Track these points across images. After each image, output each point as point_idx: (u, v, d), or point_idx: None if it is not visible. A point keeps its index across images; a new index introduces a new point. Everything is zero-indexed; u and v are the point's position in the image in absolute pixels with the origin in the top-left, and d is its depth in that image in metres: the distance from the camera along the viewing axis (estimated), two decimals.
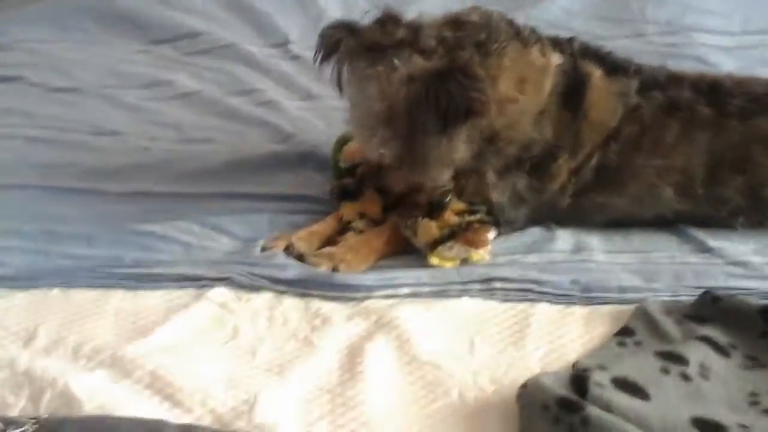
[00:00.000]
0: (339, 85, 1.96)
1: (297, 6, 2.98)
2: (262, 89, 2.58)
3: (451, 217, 1.91)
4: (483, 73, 1.86)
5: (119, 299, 1.76)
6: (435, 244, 1.89)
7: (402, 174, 1.94)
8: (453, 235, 1.89)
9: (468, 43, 1.91)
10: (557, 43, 2.04)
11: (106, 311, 1.73)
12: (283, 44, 2.82)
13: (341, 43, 1.92)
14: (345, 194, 2.00)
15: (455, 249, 1.88)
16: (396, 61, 1.85)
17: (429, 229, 1.90)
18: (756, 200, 2.00)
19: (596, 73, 2.02)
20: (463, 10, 2.03)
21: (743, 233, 1.99)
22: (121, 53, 2.77)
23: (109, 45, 2.81)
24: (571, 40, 2.06)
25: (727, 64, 2.66)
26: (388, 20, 1.94)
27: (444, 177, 1.92)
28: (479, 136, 1.90)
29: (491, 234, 1.92)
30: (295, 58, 2.76)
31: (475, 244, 1.89)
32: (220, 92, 2.58)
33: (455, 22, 1.96)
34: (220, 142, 2.34)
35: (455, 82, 1.79)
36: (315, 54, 1.96)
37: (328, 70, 1.95)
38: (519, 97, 1.93)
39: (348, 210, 1.99)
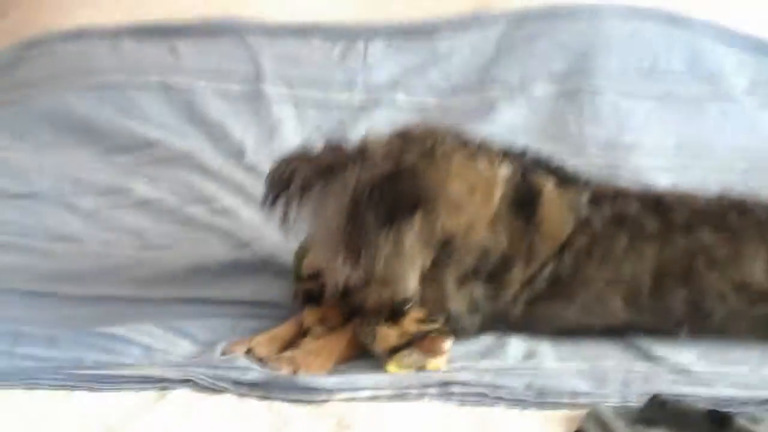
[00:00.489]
0: (286, 224, 2.01)
1: (252, 117, 3.05)
2: (218, 198, 2.64)
3: (410, 325, 1.96)
4: (430, 174, 1.94)
5: (83, 401, 1.77)
6: (393, 352, 1.94)
7: (371, 290, 1.98)
8: (411, 343, 1.95)
9: (414, 150, 2.00)
10: (508, 154, 2.13)
11: (71, 413, 1.74)
12: (239, 154, 2.88)
13: (293, 176, 1.98)
14: (309, 299, 2.05)
15: (413, 356, 1.94)
16: (347, 177, 1.93)
17: (388, 336, 1.95)
18: (698, 311, 2.09)
19: (548, 186, 2.12)
20: (410, 124, 2.13)
21: (686, 342, 2.08)
22: (78, 161, 2.80)
23: (67, 152, 2.83)
24: (522, 152, 2.16)
25: (663, 183, 2.78)
26: (335, 145, 2.03)
27: (411, 285, 1.97)
28: (436, 240, 1.97)
29: (448, 344, 1.97)
30: (251, 168, 2.82)
31: (433, 352, 1.94)
32: (177, 201, 2.63)
33: (401, 135, 2.06)
34: (179, 249, 2.38)
35: (401, 179, 1.88)
36: (265, 195, 2.01)
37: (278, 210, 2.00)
38: (469, 201, 2.01)
39: (309, 315, 2.04)
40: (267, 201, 2.01)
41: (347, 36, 3.34)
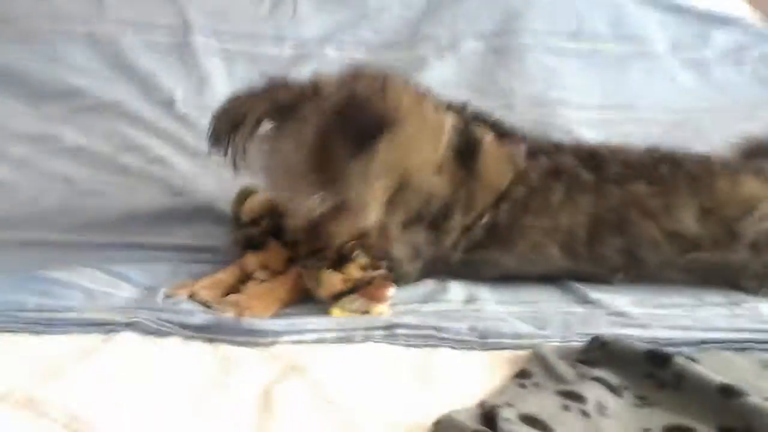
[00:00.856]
0: (236, 162, 1.99)
1: (181, 67, 3.01)
2: (150, 146, 2.60)
3: (354, 271, 1.98)
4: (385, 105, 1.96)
5: (26, 343, 1.74)
6: (337, 297, 1.95)
7: (341, 222, 1.97)
8: (355, 289, 1.96)
9: (365, 85, 2.01)
10: (450, 106, 2.16)
11: (14, 355, 1.71)
12: (169, 104, 2.84)
13: (246, 114, 1.96)
14: (250, 245, 2.05)
15: (357, 303, 1.95)
16: (305, 112, 1.92)
17: (332, 282, 1.96)
18: (633, 260, 2.15)
19: (488, 137, 2.15)
20: (358, 64, 2.14)
21: (621, 287, 2.14)
22: (4, 109, 2.73)
23: None
24: (463, 105, 2.19)
25: (589, 136, 2.84)
26: (282, 82, 2.02)
27: (373, 216, 1.98)
28: (394, 171, 1.97)
29: (392, 290, 2.00)
30: (182, 117, 2.79)
31: (377, 299, 1.96)
32: (108, 148, 2.59)
33: (352, 73, 2.07)
34: (112, 196, 2.36)
35: (362, 105, 1.90)
36: (211, 133, 1.99)
37: (220, 149, 1.99)
38: (419, 141, 2.02)
39: (251, 260, 2.03)
40: (216, 139, 1.98)
41: None
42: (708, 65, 3.36)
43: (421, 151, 2.02)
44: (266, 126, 1.97)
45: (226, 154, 1.97)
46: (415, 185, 2.03)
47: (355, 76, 2.04)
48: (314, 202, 1.93)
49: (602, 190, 2.15)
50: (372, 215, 1.98)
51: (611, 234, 2.14)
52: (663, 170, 2.19)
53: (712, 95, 3.25)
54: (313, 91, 1.98)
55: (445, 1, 3.40)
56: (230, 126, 1.97)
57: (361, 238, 1.98)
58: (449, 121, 2.10)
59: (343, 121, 1.87)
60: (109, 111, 2.77)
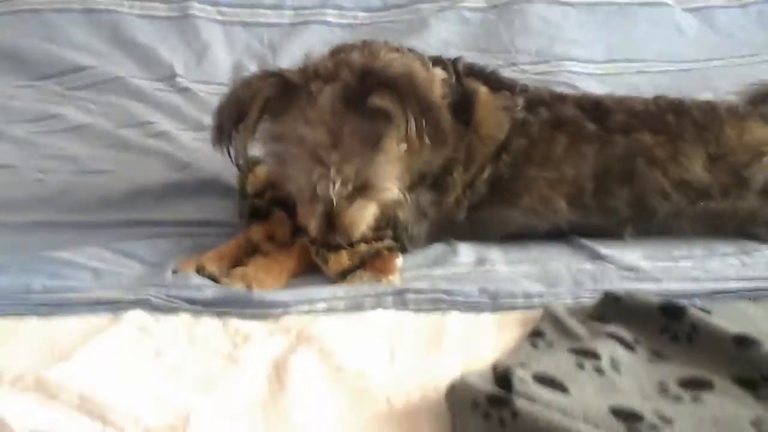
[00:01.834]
0: (240, 158, 1.94)
1: (180, 39, 3.00)
2: (153, 121, 2.59)
3: (359, 246, 1.96)
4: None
5: (34, 326, 1.74)
6: (345, 273, 1.94)
7: (362, 208, 1.93)
8: (363, 263, 1.95)
9: (358, 57, 1.98)
10: (438, 61, 2.13)
11: (22, 338, 1.70)
12: (169, 77, 2.83)
13: (253, 100, 1.89)
14: (255, 215, 2.03)
15: (365, 277, 1.94)
16: (313, 90, 1.89)
17: (340, 258, 1.95)
18: (642, 210, 2.13)
19: (482, 90, 2.12)
20: (338, 43, 2.11)
21: (631, 242, 2.12)
22: (4, 89, 2.73)
23: None
24: (455, 60, 2.16)
25: (595, 90, 2.81)
26: (277, 70, 1.97)
27: (397, 189, 1.96)
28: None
29: (399, 261, 1.98)
30: (184, 90, 2.78)
31: (385, 271, 1.95)
32: (111, 125, 2.58)
33: (338, 49, 2.05)
34: (116, 173, 2.34)
35: (380, 69, 1.88)
36: (216, 129, 1.92)
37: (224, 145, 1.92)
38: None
39: (256, 231, 2.02)
40: (219, 136, 1.92)
41: None
42: (713, 11, 3.33)
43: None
44: (273, 123, 1.92)
45: (229, 150, 1.93)
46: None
47: (343, 51, 2.01)
48: (339, 182, 1.88)
49: (607, 140, 2.13)
50: (395, 188, 1.95)
51: (619, 184, 2.12)
52: (669, 119, 2.16)
53: (718, 42, 3.22)
54: (312, 73, 1.94)
55: None
56: (234, 118, 1.91)
57: (383, 218, 1.95)
58: (439, 75, 2.07)
59: (360, 92, 1.84)
60: (110, 87, 2.76)
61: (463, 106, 2.08)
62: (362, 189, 1.91)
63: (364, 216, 1.94)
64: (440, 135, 1.86)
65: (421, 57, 2.10)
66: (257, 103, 1.89)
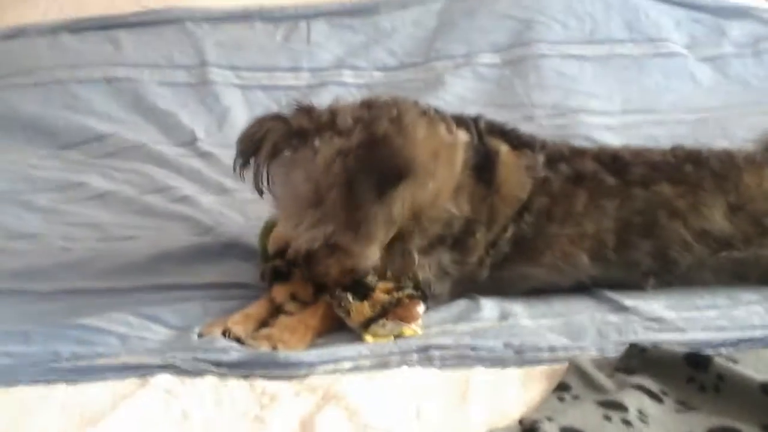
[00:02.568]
0: (259, 186, 2.01)
1: (200, 105, 3.04)
2: (176, 186, 2.62)
3: (380, 296, 1.97)
4: (402, 143, 1.95)
5: (63, 393, 1.75)
6: (368, 323, 1.95)
7: (335, 260, 1.97)
8: (385, 312, 1.96)
9: (382, 117, 2.00)
10: (461, 122, 2.14)
11: (51, 406, 1.71)
12: (191, 142, 2.87)
13: (264, 139, 1.97)
14: (277, 276, 2.05)
15: (388, 326, 1.95)
16: (317, 143, 1.93)
17: (361, 309, 1.96)
18: (664, 262, 2.13)
19: (503, 149, 2.14)
20: (372, 95, 2.14)
21: (654, 292, 2.12)
22: (30, 159, 2.77)
23: (17, 151, 2.81)
24: (476, 118, 2.18)
25: (612, 142, 2.83)
26: (306, 109, 2.03)
27: (375, 257, 1.98)
28: (404, 213, 1.98)
29: (421, 308, 1.99)
30: (205, 154, 2.81)
31: (407, 319, 1.96)
32: (134, 191, 2.61)
33: (368, 104, 2.07)
34: (141, 238, 2.37)
35: (383, 148, 1.89)
36: (237, 157, 2.01)
37: (248, 173, 2.01)
38: (435, 168, 2.01)
39: (279, 292, 2.03)
40: (238, 162, 2.01)
41: (289, 18, 3.36)
42: (726, 60, 3.34)
43: (436, 179, 2.01)
44: (285, 151, 1.97)
45: (252, 176, 1.99)
46: (432, 214, 2.03)
47: (370, 106, 2.04)
48: (314, 235, 1.93)
49: (627, 193, 2.13)
50: (373, 258, 1.98)
51: (640, 237, 2.12)
52: (688, 169, 2.17)
53: (732, 90, 3.23)
54: (329, 120, 1.98)
55: (456, 16, 3.41)
56: (252, 149, 1.98)
57: (351, 275, 1.98)
58: (462, 138, 2.09)
59: (367, 162, 1.88)
60: (132, 154, 2.80)
61: (485, 167, 2.10)
62: (334, 249, 1.95)
63: (337, 268, 1.98)
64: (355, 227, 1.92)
65: (445, 118, 2.11)
66: (267, 144, 1.96)
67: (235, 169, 2.02)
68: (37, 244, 2.34)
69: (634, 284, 2.13)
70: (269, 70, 3.19)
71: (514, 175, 2.12)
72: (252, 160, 1.99)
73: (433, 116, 2.10)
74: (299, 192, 1.94)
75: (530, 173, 2.13)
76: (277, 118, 2.01)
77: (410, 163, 1.92)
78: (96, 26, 3.26)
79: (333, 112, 2.00)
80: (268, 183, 2.01)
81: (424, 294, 2.02)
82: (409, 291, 2.00)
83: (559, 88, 3.17)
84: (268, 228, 2.17)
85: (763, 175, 2.16)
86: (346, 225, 1.92)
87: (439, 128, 2.08)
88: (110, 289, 2.13)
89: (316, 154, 1.93)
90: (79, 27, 3.25)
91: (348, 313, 1.96)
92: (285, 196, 1.99)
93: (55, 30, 3.24)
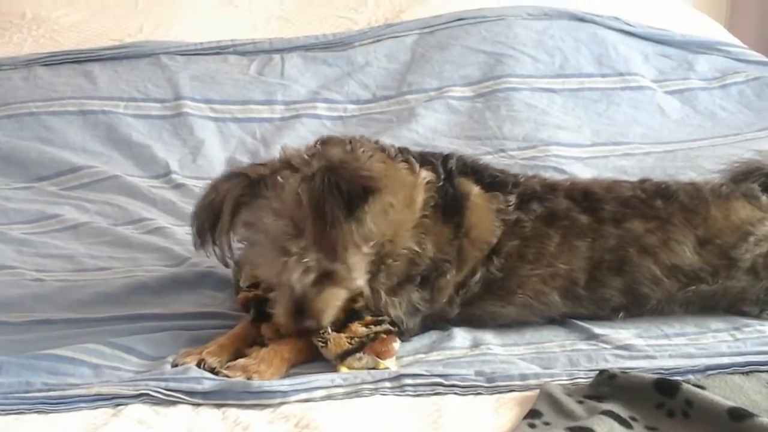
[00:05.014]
0: (225, 258, 2.02)
1: (175, 137, 3.06)
2: (149, 218, 2.63)
3: (358, 329, 1.99)
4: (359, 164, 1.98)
5: (35, 423, 1.75)
6: (345, 356, 1.96)
7: (328, 295, 1.97)
8: (362, 346, 1.97)
9: (336, 148, 2.03)
10: (427, 161, 2.14)
11: None
12: (165, 174, 2.88)
13: (224, 201, 1.96)
14: (261, 313, 2.04)
15: (364, 360, 1.96)
16: (279, 179, 1.95)
17: (339, 341, 1.97)
18: (634, 297, 2.15)
19: (474, 191, 2.14)
20: (322, 136, 2.16)
21: (623, 320, 2.15)
22: (3, 190, 2.76)
23: None
24: (447, 157, 2.18)
25: (582, 174, 2.87)
26: (258, 162, 2.07)
27: (361, 277, 1.99)
28: (373, 254, 1.99)
29: (397, 344, 2.00)
30: (179, 186, 2.82)
31: (384, 354, 1.97)
32: (108, 223, 2.61)
33: (322, 140, 2.10)
34: (114, 269, 2.37)
35: (344, 169, 1.92)
36: (195, 236, 2.00)
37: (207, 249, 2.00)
38: (394, 204, 2.01)
39: (265, 330, 2.03)
40: (200, 239, 1.99)
41: (263, 51, 3.39)
42: (694, 93, 3.41)
43: (396, 215, 2.02)
44: (245, 212, 1.97)
45: (213, 251, 2.00)
46: (394, 251, 2.03)
47: (323, 143, 2.07)
48: (301, 271, 1.92)
49: (599, 232, 2.15)
50: (360, 278, 1.99)
51: (612, 274, 2.14)
52: (657, 204, 2.19)
53: (700, 123, 3.29)
54: (285, 161, 2.00)
55: (428, 50, 3.46)
56: (210, 221, 1.98)
57: (352, 304, 1.99)
58: (423, 178, 2.09)
59: (331, 183, 1.89)
60: (106, 186, 2.80)
61: (454, 208, 2.10)
62: (327, 276, 1.95)
63: (332, 302, 1.97)
64: (330, 247, 1.92)
65: (408, 158, 2.11)
66: (228, 204, 1.96)
67: (196, 247, 2.01)
68: (10, 275, 2.33)
69: (603, 318, 2.15)
70: (243, 103, 3.22)
71: (485, 219, 2.12)
72: (210, 235, 1.98)
73: (394, 154, 2.11)
74: (275, 232, 1.93)
75: (501, 216, 2.13)
76: (231, 176, 2.02)
77: (373, 179, 1.94)
78: (70, 60, 3.29)
79: (287, 155, 2.03)
80: (231, 253, 2.01)
81: (400, 330, 2.04)
82: (386, 326, 2.01)
83: (530, 120, 3.21)
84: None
85: (730, 208, 2.19)
86: (324, 248, 1.92)
87: (398, 167, 2.08)
88: (83, 320, 2.13)
89: (282, 190, 1.94)
90: (53, 61, 3.28)
91: (326, 343, 1.97)
92: (260, 244, 1.97)
93: (29, 63, 3.27)
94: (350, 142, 2.07)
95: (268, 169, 2.00)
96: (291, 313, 1.97)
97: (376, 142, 2.16)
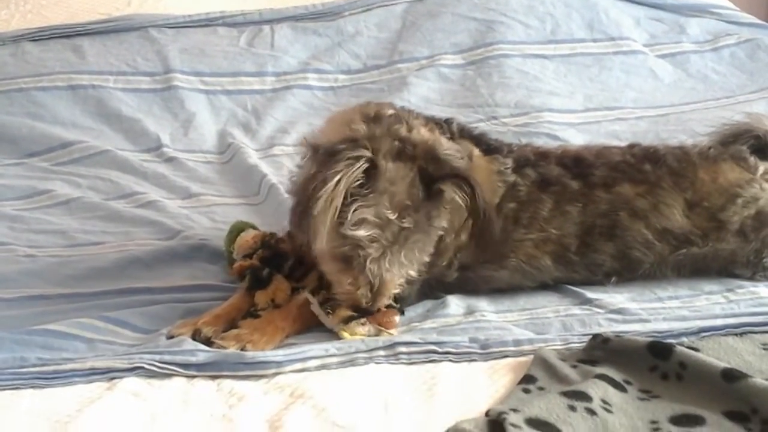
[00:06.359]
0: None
1: (165, 111, 3.04)
2: (141, 192, 2.61)
3: None
4: None
5: (30, 399, 1.75)
6: (348, 320, 1.96)
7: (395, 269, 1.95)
8: (365, 314, 1.97)
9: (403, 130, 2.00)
10: (437, 123, 2.14)
11: (18, 412, 1.71)
12: (156, 148, 2.86)
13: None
14: (257, 282, 2.05)
15: (368, 327, 1.96)
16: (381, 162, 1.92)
17: (343, 312, 1.97)
18: (627, 262, 2.16)
19: (476, 154, 2.14)
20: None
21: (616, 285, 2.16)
22: None
23: None
24: (448, 120, 2.18)
25: (575, 139, 2.86)
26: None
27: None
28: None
29: (398, 317, 2.01)
30: (170, 160, 2.81)
31: (385, 325, 1.98)
32: (99, 197, 2.60)
33: (374, 117, 2.03)
34: (107, 244, 2.36)
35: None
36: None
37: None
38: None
39: (261, 298, 2.03)
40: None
41: (253, 23, 3.38)
42: (686, 56, 3.39)
43: None
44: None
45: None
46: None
47: (376, 118, 2.01)
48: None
49: (590, 197, 2.15)
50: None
51: (603, 239, 2.15)
52: (646, 168, 2.19)
53: (692, 86, 3.27)
54: (374, 146, 1.93)
55: (419, 18, 3.44)
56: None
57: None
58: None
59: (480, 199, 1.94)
60: (97, 160, 2.79)
61: None
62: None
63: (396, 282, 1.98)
64: (488, 240, 1.98)
65: (422, 120, 2.09)
66: (341, 189, 1.88)
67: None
68: (3, 251, 2.32)
69: (596, 283, 2.16)
70: (234, 75, 3.20)
71: (487, 179, 2.11)
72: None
73: (407, 115, 2.08)
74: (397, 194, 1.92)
75: (501, 178, 2.13)
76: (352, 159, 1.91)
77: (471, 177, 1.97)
78: (58, 34, 3.26)
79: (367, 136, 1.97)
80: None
81: (401, 309, 2.04)
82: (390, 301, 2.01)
83: (522, 87, 3.20)
84: (234, 233, 2.19)
85: (718, 170, 2.20)
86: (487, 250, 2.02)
87: (420, 128, 2.05)
88: (77, 295, 2.12)
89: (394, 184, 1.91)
90: (41, 36, 3.26)
91: (333, 310, 1.97)
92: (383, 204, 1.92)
93: (17, 39, 3.24)
94: (397, 114, 2.04)
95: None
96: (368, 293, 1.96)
97: (404, 108, 2.15)
